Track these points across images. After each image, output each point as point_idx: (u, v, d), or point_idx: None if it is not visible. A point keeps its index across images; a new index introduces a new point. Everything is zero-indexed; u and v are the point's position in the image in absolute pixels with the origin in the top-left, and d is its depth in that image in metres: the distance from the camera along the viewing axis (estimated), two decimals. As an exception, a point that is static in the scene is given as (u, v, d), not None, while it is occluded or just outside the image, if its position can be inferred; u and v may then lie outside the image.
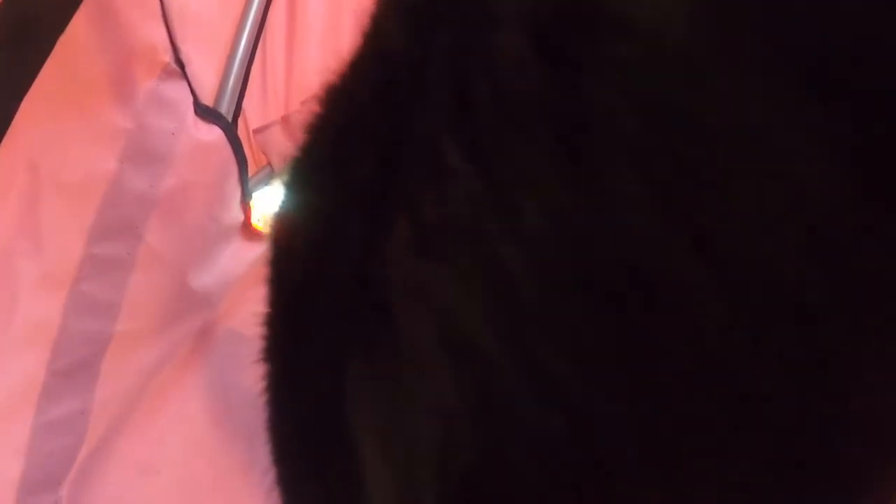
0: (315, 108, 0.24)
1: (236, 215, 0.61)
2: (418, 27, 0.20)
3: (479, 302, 0.16)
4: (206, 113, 0.54)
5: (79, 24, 0.46)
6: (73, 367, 0.46)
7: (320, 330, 0.23)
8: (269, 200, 0.66)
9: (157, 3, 0.50)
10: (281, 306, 0.27)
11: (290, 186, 0.27)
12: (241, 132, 0.60)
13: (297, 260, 0.26)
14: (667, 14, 0.15)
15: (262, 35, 0.61)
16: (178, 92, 0.52)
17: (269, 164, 0.66)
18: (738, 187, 0.15)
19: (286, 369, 0.26)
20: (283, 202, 0.28)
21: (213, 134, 0.55)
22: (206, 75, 0.55)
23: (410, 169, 0.19)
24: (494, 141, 0.17)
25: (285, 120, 0.68)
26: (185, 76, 0.52)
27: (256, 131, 0.63)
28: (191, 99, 0.53)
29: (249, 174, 0.60)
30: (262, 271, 0.72)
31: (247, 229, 0.63)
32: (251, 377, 0.67)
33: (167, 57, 0.51)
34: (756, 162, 0.14)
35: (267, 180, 0.66)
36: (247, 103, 0.62)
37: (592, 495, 0.16)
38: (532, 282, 0.16)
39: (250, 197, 0.61)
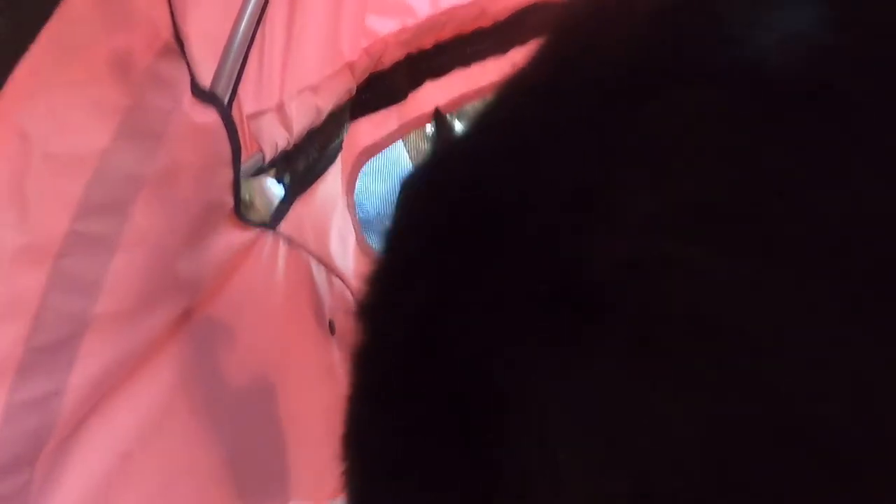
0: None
1: (226, 201, 0.60)
2: None
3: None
4: (202, 95, 0.53)
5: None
6: (52, 346, 0.45)
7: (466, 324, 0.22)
8: (259, 188, 0.66)
9: (160, -22, 0.49)
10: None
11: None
12: (234, 117, 0.59)
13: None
14: None
15: (263, 20, 0.60)
16: (176, 71, 0.51)
17: (261, 150, 0.65)
18: None
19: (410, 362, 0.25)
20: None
21: (209, 117, 0.54)
22: (205, 56, 0.54)
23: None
24: None
25: (280, 108, 0.67)
26: (183, 55, 0.51)
27: (250, 117, 0.62)
28: (188, 79, 0.52)
29: (242, 160, 0.59)
30: (247, 258, 0.70)
31: (235, 216, 0.62)
32: (229, 366, 0.66)
33: (167, 34, 0.49)
34: None
35: (257, 167, 0.65)
36: (241, 89, 0.61)
37: None
38: None
39: (241, 184, 0.60)
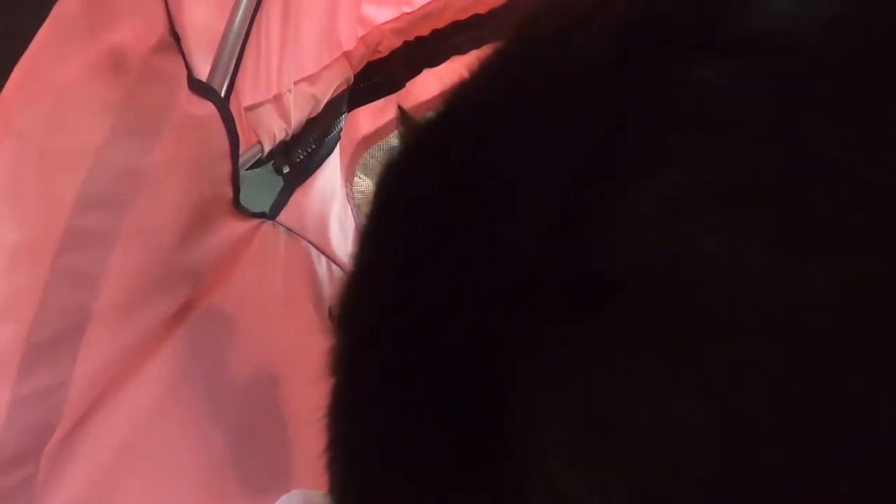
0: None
1: (225, 193, 0.60)
2: None
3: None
4: (199, 88, 0.53)
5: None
6: (53, 340, 0.45)
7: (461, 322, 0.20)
8: (257, 179, 0.66)
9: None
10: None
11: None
12: (232, 109, 0.59)
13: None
14: None
15: (259, 11, 0.60)
16: (172, 65, 0.51)
17: (259, 142, 0.65)
18: None
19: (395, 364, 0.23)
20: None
21: (206, 109, 0.54)
22: (201, 49, 0.54)
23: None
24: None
25: (277, 99, 0.67)
26: (180, 49, 0.51)
27: (248, 109, 0.62)
28: (185, 73, 0.52)
29: (240, 152, 0.59)
30: (247, 249, 0.70)
31: (234, 207, 0.63)
32: (230, 356, 0.66)
33: (162, 28, 0.49)
34: None
35: (256, 159, 0.65)
36: (239, 81, 0.61)
37: None
38: None
39: (239, 175, 0.60)
